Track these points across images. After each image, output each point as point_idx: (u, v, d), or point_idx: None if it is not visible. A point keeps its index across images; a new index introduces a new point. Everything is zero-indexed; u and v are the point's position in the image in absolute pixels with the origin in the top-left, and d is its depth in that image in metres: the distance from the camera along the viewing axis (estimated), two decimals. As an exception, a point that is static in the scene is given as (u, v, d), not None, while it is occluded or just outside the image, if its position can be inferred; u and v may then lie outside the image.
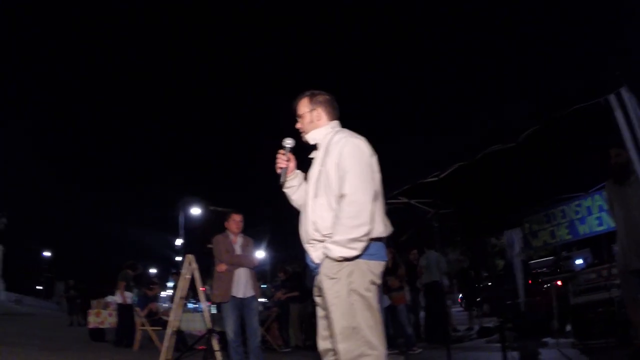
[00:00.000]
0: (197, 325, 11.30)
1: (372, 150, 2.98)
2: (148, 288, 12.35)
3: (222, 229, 6.86)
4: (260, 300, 8.83)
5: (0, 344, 9.63)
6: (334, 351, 2.83)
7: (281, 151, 3.24)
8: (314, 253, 2.94)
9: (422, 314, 12.09)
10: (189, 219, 31.07)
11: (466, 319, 14.35)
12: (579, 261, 13.03)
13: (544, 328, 9.05)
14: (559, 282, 9.69)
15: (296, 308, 11.53)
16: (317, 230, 2.92)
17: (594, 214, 7.19)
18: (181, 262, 11.01)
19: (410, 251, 11.95)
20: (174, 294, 9.37)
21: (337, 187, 2.85)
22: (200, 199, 29.70)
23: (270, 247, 34.77)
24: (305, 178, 3.24)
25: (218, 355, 7.08)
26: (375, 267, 2.86)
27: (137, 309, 11.46)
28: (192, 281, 7.64)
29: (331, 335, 2.80)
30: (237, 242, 6.73)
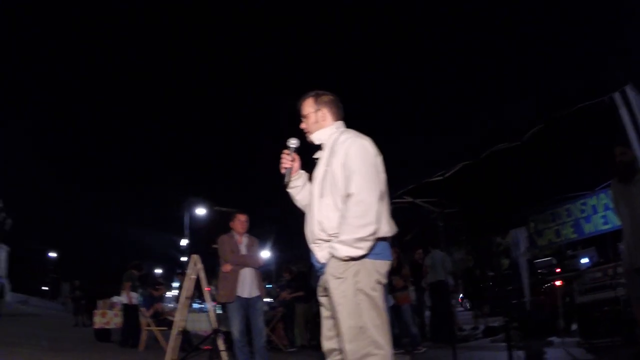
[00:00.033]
0: (202, 325, 11.31)
1: (377, 150, 2.98)
2: (154, 288, 12.38)
3: (227, 229, 6.86)
4: (265, 300, 8.83)
5: (7, 344, 9.67)
6: (339, 351, 2.85)
7: (286, 151, 3.23)
8: (320, 253, 2.94)
9: (427, 313, 12.08)
10: (194, 219, 31.12)
11: (470, 319, 14.33)
12: (584, 260, 12.97)
13: (549, 327, 9.03)
14: (558, 283, 9.65)
15: (301, 308, 11.53)
16: (323, 230, 2.92)
17: (600, 213, 7.17)
18: (186, 263, 11.04)
19: (416, 251, 11.94)
20: (179, 294, 9.39)
21: (343, 187, 2.85)
22: (205, 199, 29.76)
23: (276, 247, 34.78)
24: (310, 178, 3.25)
25: (224, 355, 7.10)
26: (381, 267, 2.86)
27: (143, 309, 11.48)
28: (198, 281, 7.66)
29: (338, 335, 2.80)
30: (243, 242, 6.73)
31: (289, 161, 3.22)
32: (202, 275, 7.56)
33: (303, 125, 3.25)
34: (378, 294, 2.80)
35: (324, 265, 2.90)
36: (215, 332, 7.25)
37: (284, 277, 13.44)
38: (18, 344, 9.91)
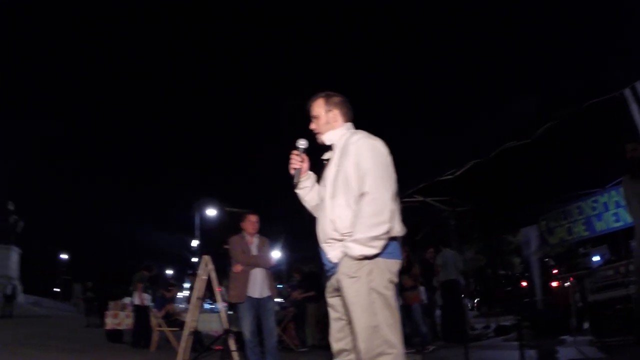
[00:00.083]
0: (213, 325, 11.34)
1: (388, 150, 2.98)
2: (166, 289, 12.43)
3: (238, 230, 6.87)
4: (276, 300, 8.83)
5: (19, 345, 9.73)
6: (349, 351, 2.87)
7: (295, 152, 3.23)
8: (332, 252, 2.93)
9: (437, 312, 12.06)
10: (204, 220, 31.21)
11: (471, 318, 14.30)
12: (596, 258, 12.92)
13: (561, 326, 8.99)
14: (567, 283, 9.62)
15: (313, 308, 11.53)
16: (335, 229, 2.92)
17: (611, 210, 7.13)
18: (197, 263, 11.05)
19: (427, 250, 11.91)
20: (190, 295, 9.41)
21: (356, 187, 2.85)
22: (215, 200, 29.82)
23: (286, 248, 34.77)
24: (318, 180, 3.26)
25: (235, 355, 7.11)
26: (392, 266, 2.87)
27: (155, 310, 11.52)
28: (209, 282, 7.67)
29: (351, 334, 2.80)
30: (253, 242, 6.73)
31: (298, 162, 3.22)
32: (213, 276, 7.57)
33: (313, 126, 3.24)
34: (391, 293, 2.81)
35: (335, 265, 2.90)
36: (227, 332, 7.26)
37: (294, 277, 13.45)
38: (30, 345, 9.97)
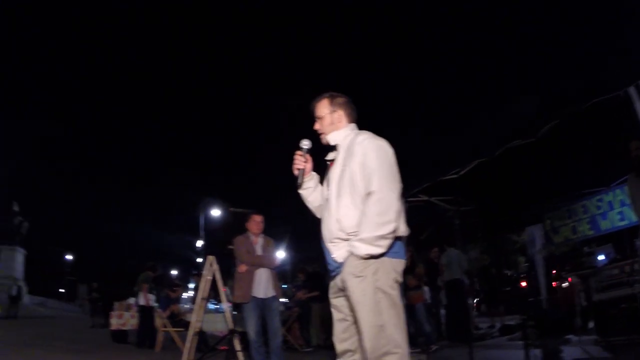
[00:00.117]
0: (218, 326, 11.36)
1: (393, 151, 2.99)
2: (171, 290, 12.43)
3: (242, 230, 6.87)
4: (281, 300, 8.84)
5: (25, 346, 9.76)
6: (353, 352, 2.88)
7: (298, 152, 3.24)
8: (337, 252, 2.93)
9: (442, 311, 12.05)
10: (209, 220, 31.17)
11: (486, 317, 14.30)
12: (601, 257, 12.91)
13: (566, 325, 8.98)
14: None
15: (317, 307, 11.52)
16: (341, 229, 2.92)
17: (616, 209, 7.11)
18: (202, 264, 11.06)
19: (431, 249, 11.90)
20: (195, 295, 9.42)
21: (362, 186, 2.86)
22: (220, 200, 29.80)
23: (291, 248, 34.77)
24: (321, 180, 3.26)
25: (240, 355, 7.12)
26: (398, 265, 2.87)
27: (159, 310, 11.53)
28: (214, 282, 7.69)
29: (358, 334, 2.80)
30: (258, 242, 6.73)
31: (302, 162, 3.22)
32: (218, 276, 7.59)
33: (317, 127, 3.24)
34: (396, 293, 2.81)
35: (340, 265, 2.90)
36: (232, 332, 7.27)
37: (298, 277, 13.46)
38: (36, 346, 10.00)
